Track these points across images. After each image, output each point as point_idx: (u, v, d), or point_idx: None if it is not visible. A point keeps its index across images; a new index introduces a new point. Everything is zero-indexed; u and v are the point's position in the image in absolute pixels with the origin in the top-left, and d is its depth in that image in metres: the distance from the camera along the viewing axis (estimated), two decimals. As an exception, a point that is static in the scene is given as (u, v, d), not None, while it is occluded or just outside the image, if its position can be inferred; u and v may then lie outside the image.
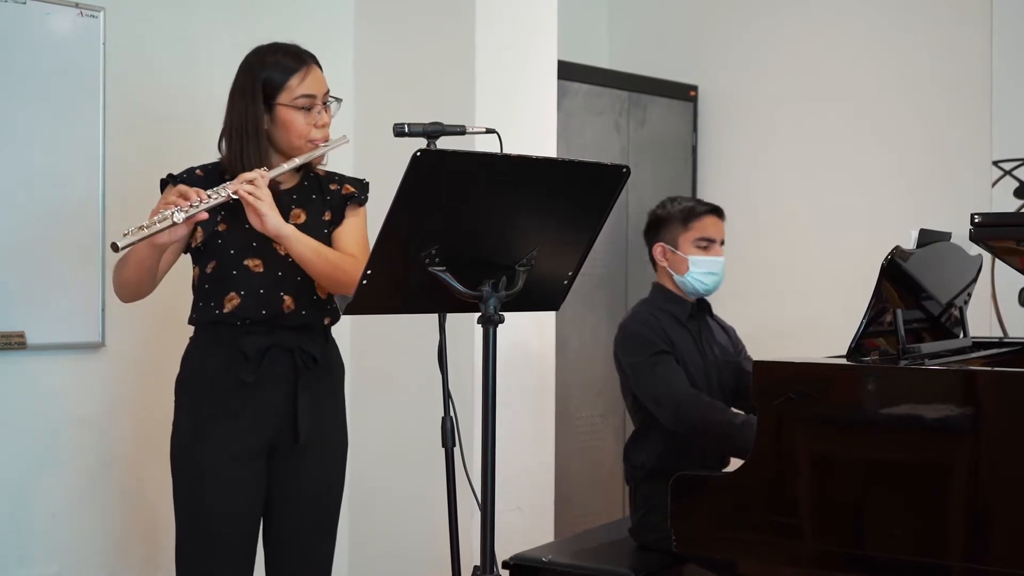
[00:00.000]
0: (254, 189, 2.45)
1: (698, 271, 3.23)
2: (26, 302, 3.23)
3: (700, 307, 3.33)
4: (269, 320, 2.58)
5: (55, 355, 3.31)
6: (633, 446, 3.26)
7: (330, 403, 2.70)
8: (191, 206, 2.40)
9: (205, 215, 2.43)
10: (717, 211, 3.29)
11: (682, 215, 3.26)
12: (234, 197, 2.45)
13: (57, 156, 3.29)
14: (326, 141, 2.64)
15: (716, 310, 3.46)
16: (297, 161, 2.58)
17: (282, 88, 2.58)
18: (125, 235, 2.35)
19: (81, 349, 3.37)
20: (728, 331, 3.44)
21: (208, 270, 2.59)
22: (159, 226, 2.37)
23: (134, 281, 2.57)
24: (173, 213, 2.38)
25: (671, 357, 3.14)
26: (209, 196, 2.43)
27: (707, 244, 3.25)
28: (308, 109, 2.60)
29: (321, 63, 2.68)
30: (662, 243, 3.28)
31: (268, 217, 2.46)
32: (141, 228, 2.36)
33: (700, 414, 3.04)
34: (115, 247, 2.34)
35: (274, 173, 2.53)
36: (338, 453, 2.74)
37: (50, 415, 3.33)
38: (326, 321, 2.68)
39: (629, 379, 3.21)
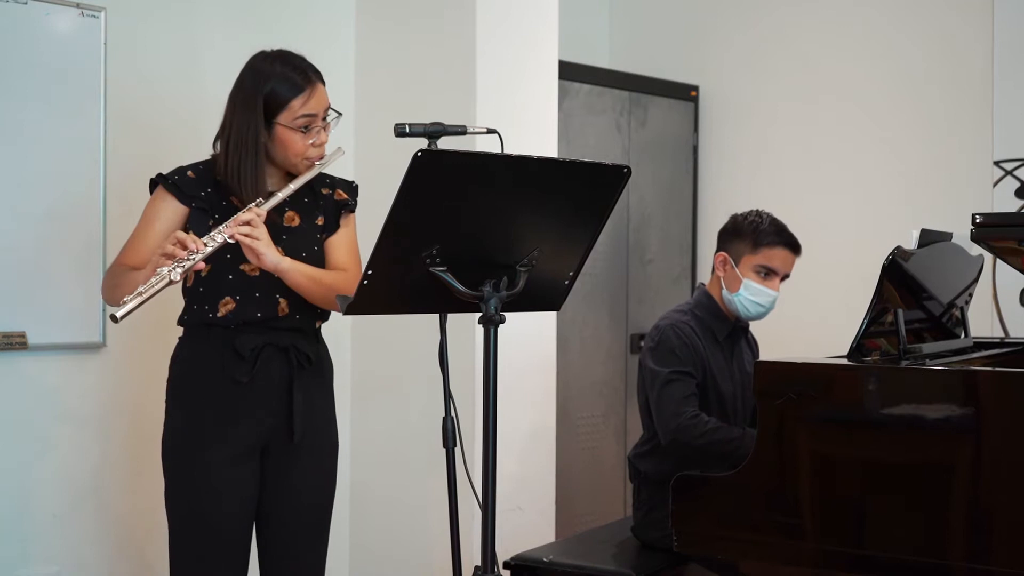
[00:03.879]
0: (250, 231, 2.46)
1: (747, 296, 3.15)
2: (27, 302, 3.23)
3: (737, 326, 3.29)
4: (263, 322, 2.59)
5: (56, 355, 3.31)
6: (642, 455, 3.24)
7: (322, 403, 2.70)
8: (190, 256, 2.38)
9: (202, 265, 2.43)
10: (794, 246, 3.18)
11: (755, 237, 3.16)
12: (231, 242, 2.46)
13: (58, 156, 3.29)
14: (321, 158, 2.64)
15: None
16: (292, 188, 2.58)
17: (284, 108, 2.56)
18: (124, 304, 2.33)
19: (82, 349, 3.37)
20: (754, 349, 3.40)
21: (203, 273, 2.58)
22: (156, 287, 2.35)
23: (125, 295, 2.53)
24: (170, 272, 2.36)
25: (692, 380, 3.09)
26: (206, 244, 2.42)
27: (767, 273, 3.16)
28: (307, 129, 2.60)
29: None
30: (726, 254, 3.21)
31: (266, 256, 2.48)
32: (139, 294, 2.34)
33: (696, 435, 3.00)
34: (114, 319, 2.33)
35: (269, 206, 2.53)
36: (330, 453, 2.74)
37: (51, 415, 3.33)
38: (318, 324, 2.70)
39: (646, 381, 3.19)
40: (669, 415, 3.05)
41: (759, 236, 3.16)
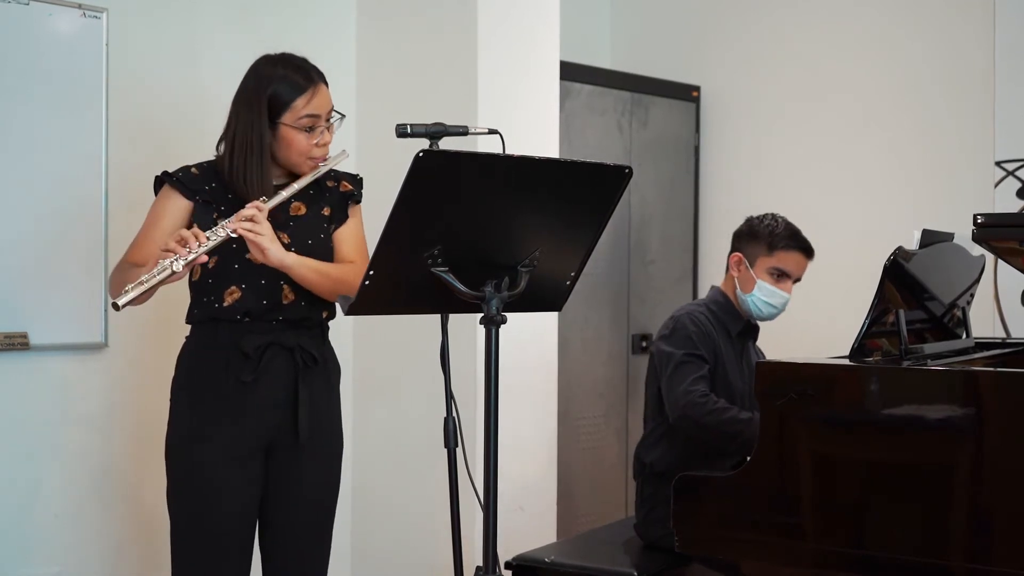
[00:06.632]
0: (253, 226, 2.46)
1: (761, 297, 3.23)
2: (29, 303, 3.23)
3: (749, 327, 3.35)
4: (269, 312, 2.59)
5: (58, 356, 3.32)
6: (648, 446, 3.27)
7: (328, 403, 2.71)
8: (190, 251, 2.40)
9: (205, 258, 2.44)
10: (808, 251, 3.27)
11: (770, 240, 3.25)
12: (234, 236, 2.46)
13: (59, 157, 3.29)
14: (325, 159, 2.65)
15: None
16: (296, 187, 2.59)
17: (288, 107, 2.58)
18: (126, 292, 2.36)
19: (84, 350, 3.37)
20: (760, 354, 3.44)
21: (210, 265, 2.59)
22: (159, 277, 2.38)
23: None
24: (172, 263, 2.38)
25: (705, 365, 3.15)
26: (208, 238, 2.44)
27: (780, 276, 3.25)
28: (311, 129, 2.61)
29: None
30: (741, 255, 3.29)
31: (270, 251, 2.48)
32: (140, 283, 2.37)
33: (705, 412, 3.04)
34: (116, 307, 2.36)
35: (272, 203, 2.54)
36: (335, 454, 2.74)
37: (52, 415, 3.33)
38: (324, 315, 2.69)
39: (658, 367, 3.22)
40: (681, 392, 3.10)
41: (775, 240, 3.25)
